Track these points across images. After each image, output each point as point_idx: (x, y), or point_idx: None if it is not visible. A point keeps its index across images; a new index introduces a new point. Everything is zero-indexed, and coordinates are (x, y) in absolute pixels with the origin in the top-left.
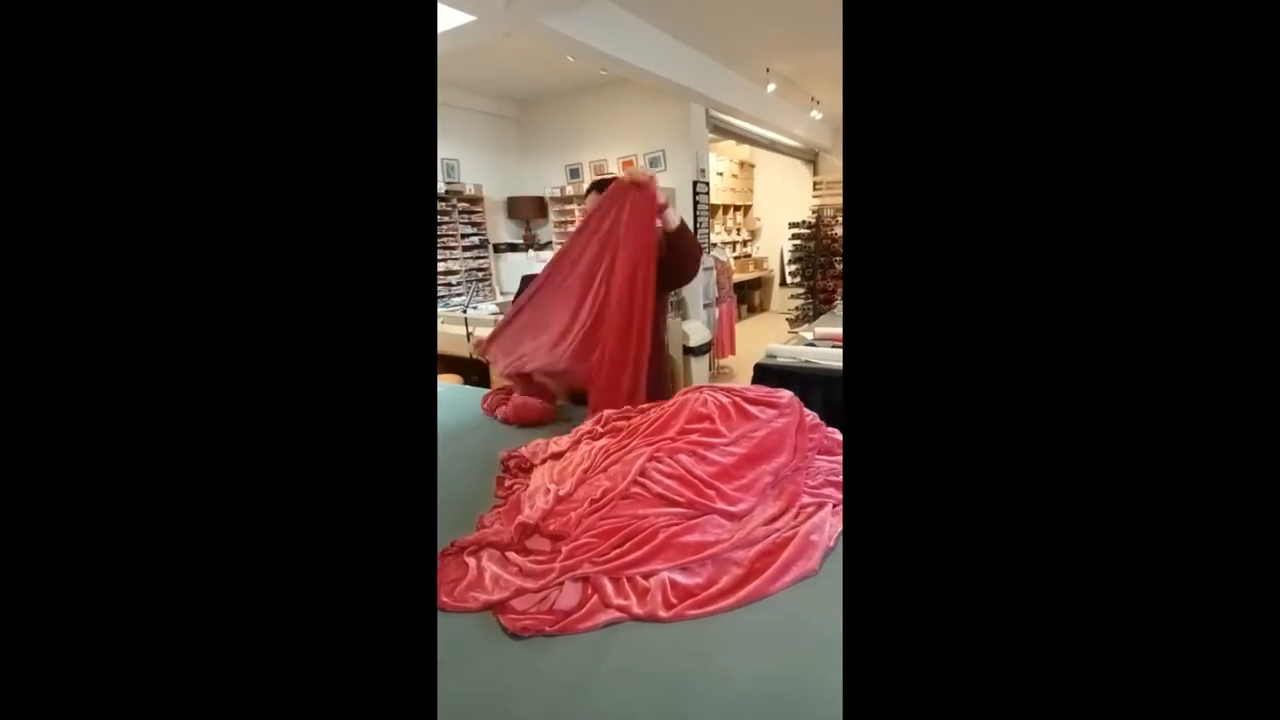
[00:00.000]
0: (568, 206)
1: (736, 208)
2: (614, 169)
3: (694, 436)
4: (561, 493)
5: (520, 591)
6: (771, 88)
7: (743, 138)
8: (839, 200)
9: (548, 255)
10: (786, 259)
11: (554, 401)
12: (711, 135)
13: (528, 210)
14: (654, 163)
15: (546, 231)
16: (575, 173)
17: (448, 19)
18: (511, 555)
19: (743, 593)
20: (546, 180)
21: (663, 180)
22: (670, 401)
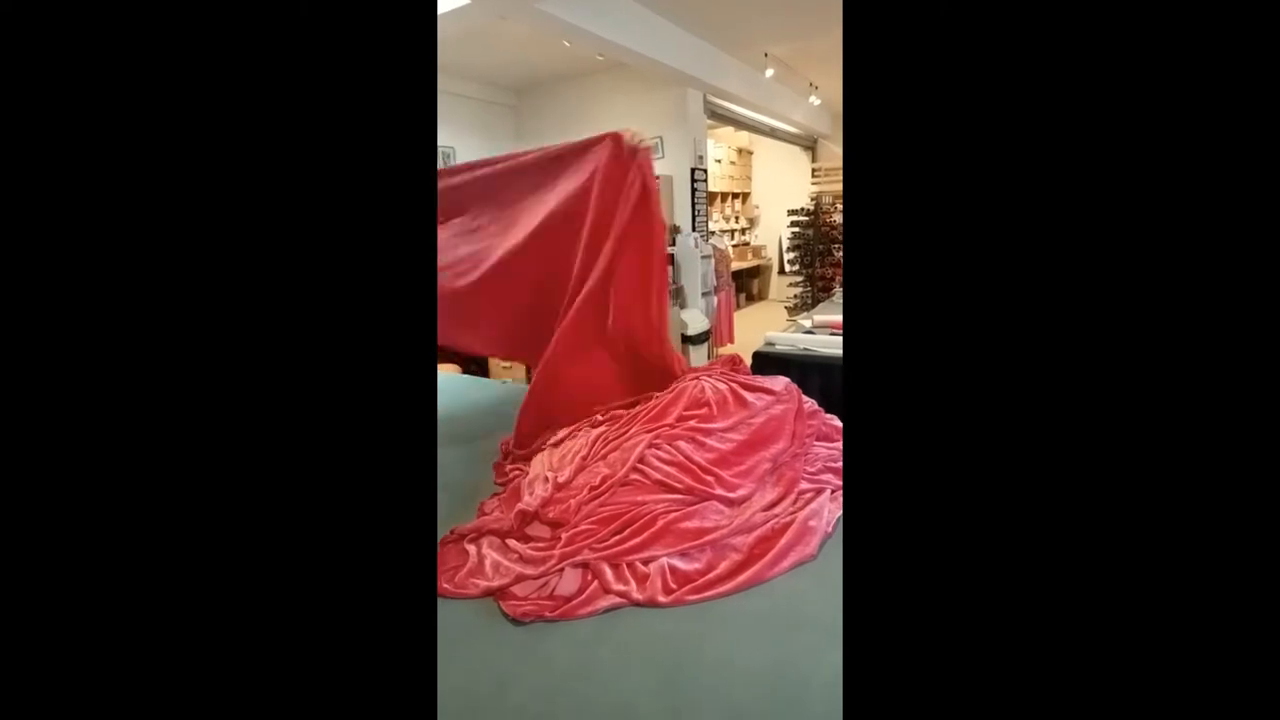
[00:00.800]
0: None
1: (735, 195)
2: None
3: (692, 423)
4: (560, 480)
5: (520, 578)
6: (769, 73)
7: (741, 124)
8: (838, 187)
9: None
10: (785, 247)
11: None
12: (709, 121)
13: None
14: (651, 149)
15: None
16: None
17: (443, 2)
18: (512, 542)
19: (741, 578)
20: None
21: (661, 167)
22: (669, 388)
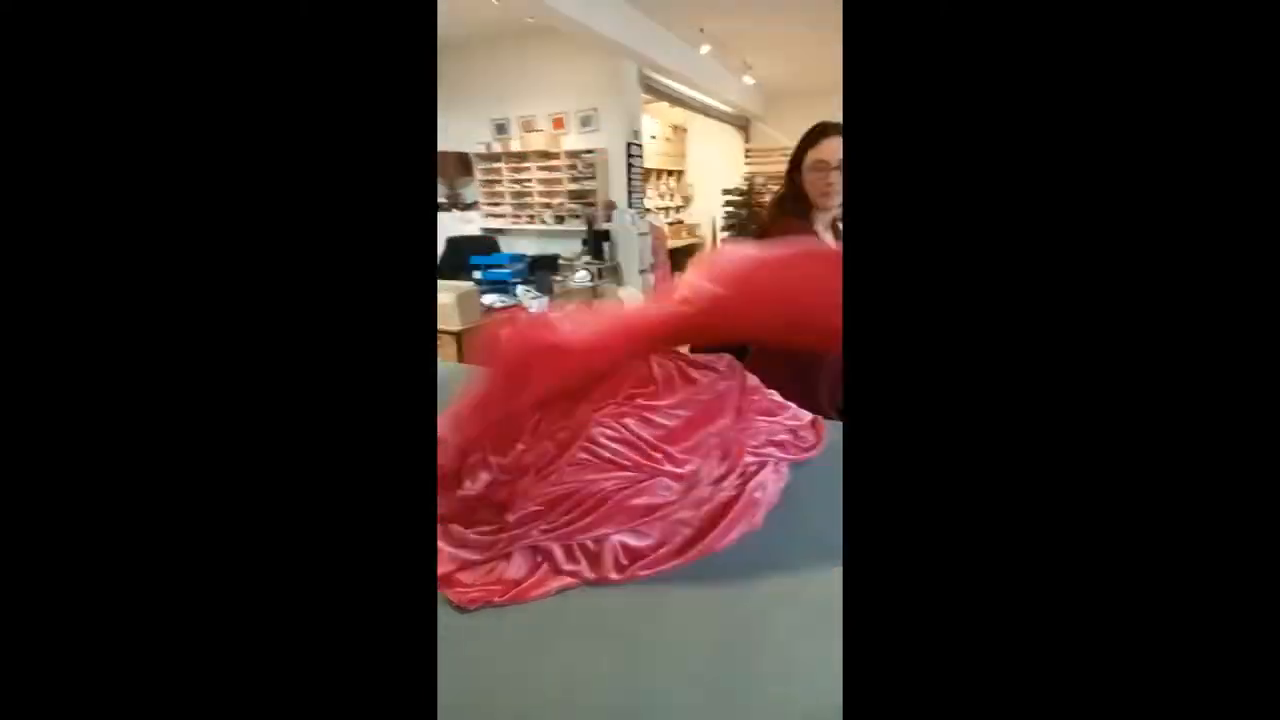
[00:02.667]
0: (494, 164)
1: (669, 172)
2: (544, 126)
3: (639, 400)
4: (504, 462)
5: (465, 564)
6: (705, 49)
7: (675, 100)
8: (771, 169)
9: (474, 216)
10: (719, 226)
11: None
12: (645, 96)
13: (450, 168)
14: (586, 121)
15: (472, 191)
16: (502, 128)
17: None
18: (454, 528)
19: (692, 551)
20: (471, 135)
21: (596, 140)
22: (613, 367)
